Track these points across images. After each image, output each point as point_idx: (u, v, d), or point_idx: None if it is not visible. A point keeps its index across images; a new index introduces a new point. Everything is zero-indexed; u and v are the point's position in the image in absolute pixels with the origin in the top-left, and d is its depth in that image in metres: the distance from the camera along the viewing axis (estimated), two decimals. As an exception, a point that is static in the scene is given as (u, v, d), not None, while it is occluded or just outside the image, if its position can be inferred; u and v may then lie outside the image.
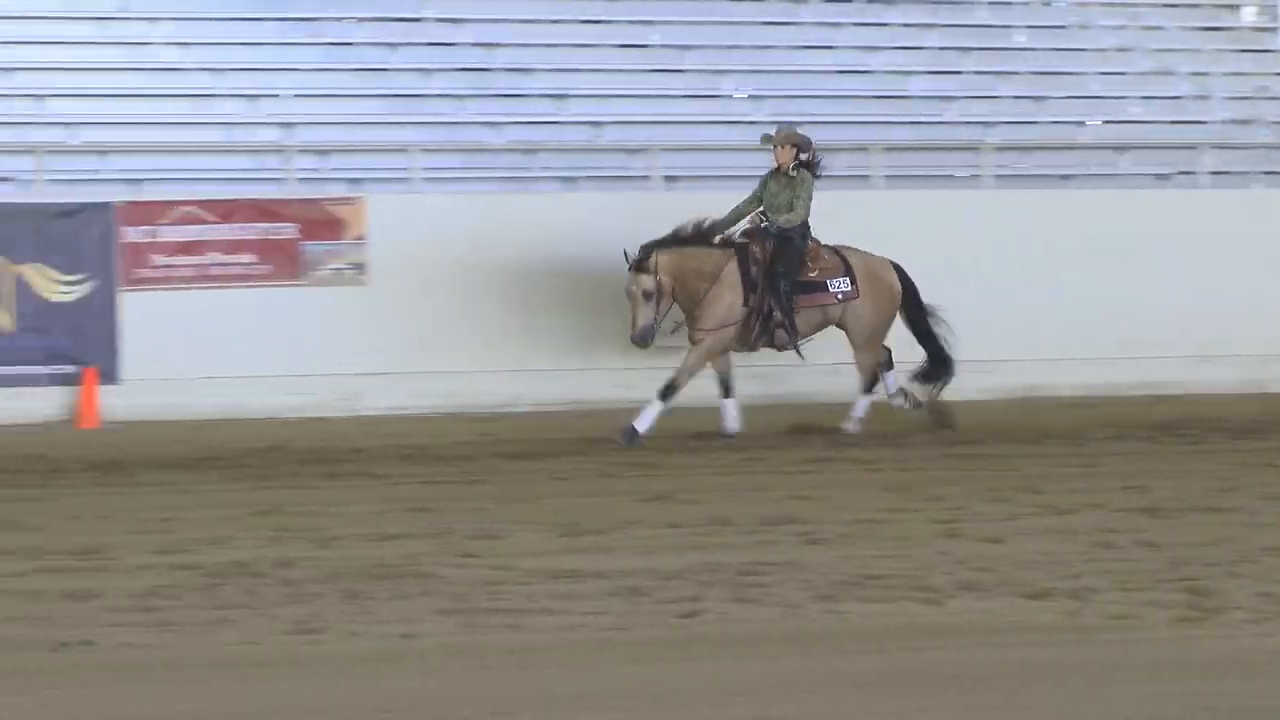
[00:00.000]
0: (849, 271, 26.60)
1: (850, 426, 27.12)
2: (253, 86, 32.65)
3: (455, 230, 29.65)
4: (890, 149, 33.99)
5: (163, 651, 16.45)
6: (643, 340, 25.80)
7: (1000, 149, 34.79)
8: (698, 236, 26.34)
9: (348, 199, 29.75)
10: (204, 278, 28.57)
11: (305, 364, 28.73)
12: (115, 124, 31.28)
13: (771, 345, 26.58)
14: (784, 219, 26.20)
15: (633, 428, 26.15)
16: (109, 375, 27.96)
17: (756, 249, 26.16)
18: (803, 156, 26.38)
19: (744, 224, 26.85)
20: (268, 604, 17.78)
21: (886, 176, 33.14)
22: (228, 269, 28.75)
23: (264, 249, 28.79)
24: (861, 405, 27.21)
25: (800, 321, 26.55)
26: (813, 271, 26.40)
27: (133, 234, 28.13)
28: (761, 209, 26.55)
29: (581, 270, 29.59)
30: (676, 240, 26.01)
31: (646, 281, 25.36)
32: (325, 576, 18.65)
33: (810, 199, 26.41)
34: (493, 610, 17.37)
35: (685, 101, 35.37)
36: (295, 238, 28.92)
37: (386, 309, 29.08)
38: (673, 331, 26.51)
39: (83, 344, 27.92)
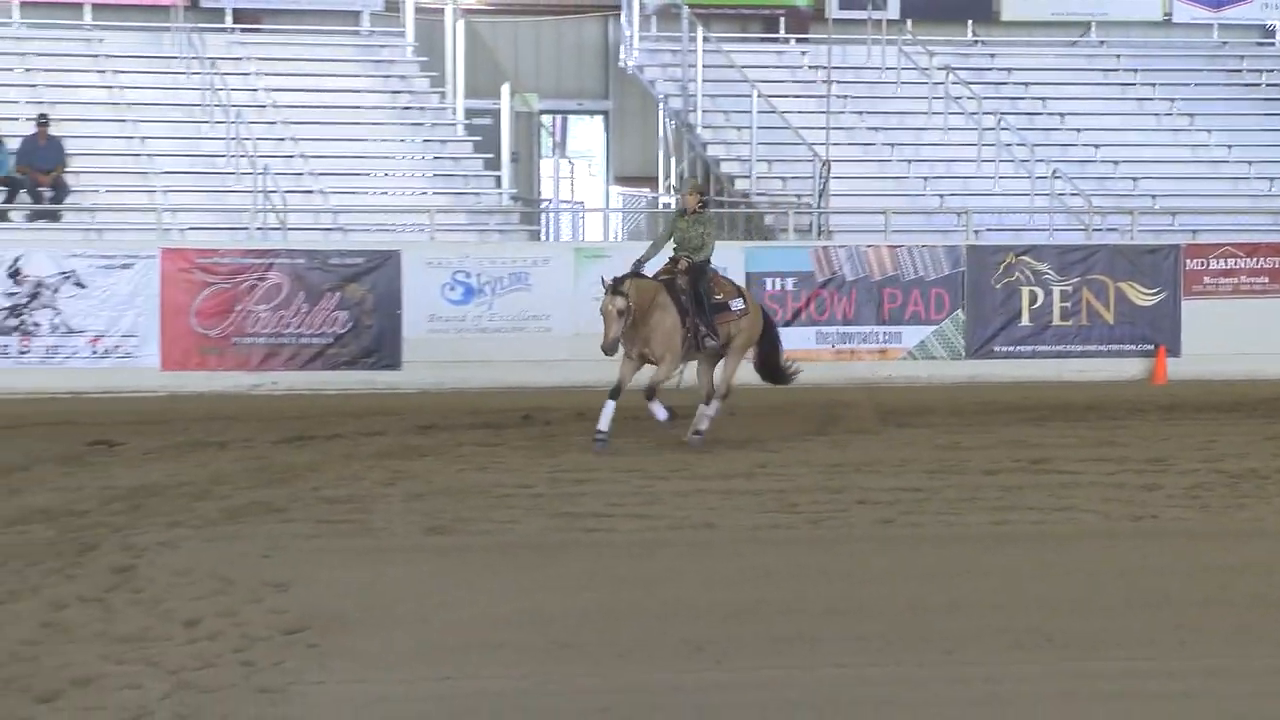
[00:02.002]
0: (741, 294, 21.73)
1: (697, 436, 21.24)
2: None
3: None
4: None
5: (1205, 525, 16.56)
6: (611, 350, 20.77)
7: None
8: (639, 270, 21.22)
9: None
10: (1235, 292, 28.11)
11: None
12: (1180, 196, 31.07)
13: (698, 351, 21.32)
14: (702, 255, 21.22)
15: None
16: (1173, 351, 27.68)
17: (681, 280, 21.01)
18: (705, 200, 22.12)
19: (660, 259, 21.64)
20: (1269, 495, 17.75)
21: None
22: (1252, 286, 28.24)
23: (1275, 274, 28.26)
24: (714, 408, 21.50)
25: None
26: (718, 295, 21.31)
27: (1191, 265, 27.88)
28: (674, 245, 21.41)
29: None
30: (636, 273, 21.05)
31: (620, 303, 20.44)
32: (1306, 481, 18.53)
33: (715, 235, 21.68)
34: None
35: None
36: (1298, 267, 28.48)
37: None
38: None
39: (1156, 331, 27.65)
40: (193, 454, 19.96)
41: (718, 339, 21.22)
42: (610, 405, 20.79)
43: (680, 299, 21.01)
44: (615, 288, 20.65)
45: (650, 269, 21.46)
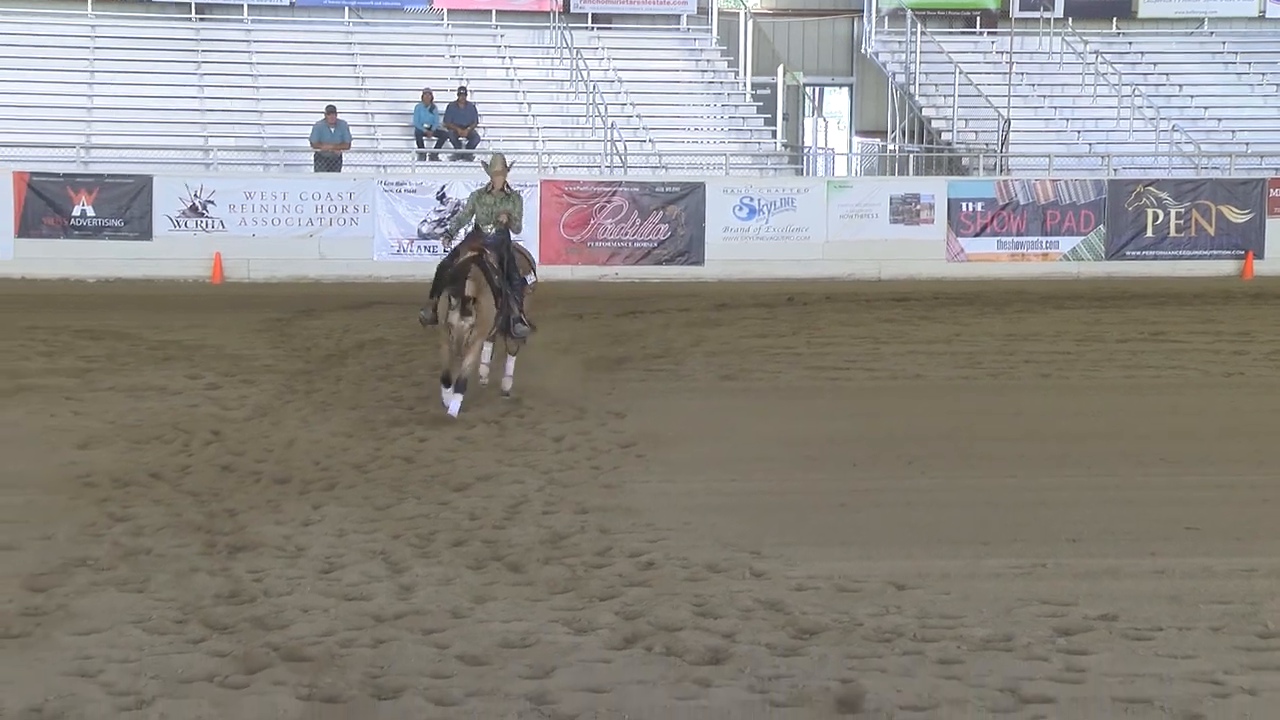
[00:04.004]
0: (533, 267, 15.39)
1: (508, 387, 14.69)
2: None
3: None
4: None
5: None
6: (461, 379, 13.69)
7: None
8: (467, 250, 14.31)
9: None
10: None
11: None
12: (1266, 144, 29.75)
13: (506, 334, 14.52)
14: (515, 228, 14.51)
15: (449, 415, 13.56)
16: (1259, 255, 26.55)
17: (491, 256, 14.25)
18: (510, 178, 14.77)
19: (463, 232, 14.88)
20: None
21: None
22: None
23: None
24: (510, 365, 14.82)
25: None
26: (520, 272, 14.70)
27: (1274, 193, 26.67)
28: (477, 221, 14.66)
29: None
30: (468, 272, 13.80)
31: (471, 320, 13.54)
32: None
33: (522, 212, 14.69)
34: None
35: None
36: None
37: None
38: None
39: (1246, 241, 26.54)
40: (560, 322, 20.15)
41: (529, 327, 14.80)
42: (449, 391, 13.79)
43: (494, 280, 14.19)
44: (465, 307, 13.53)
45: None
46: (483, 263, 14.21)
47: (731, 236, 25.75)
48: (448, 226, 15.23)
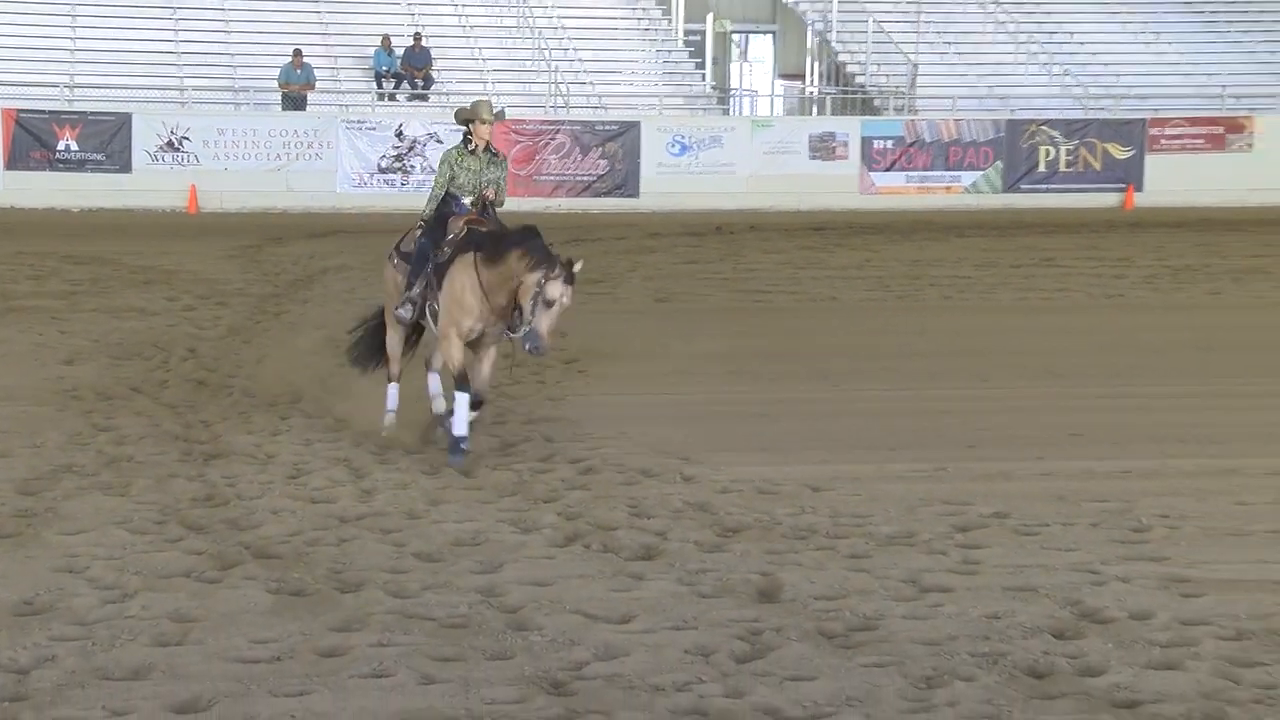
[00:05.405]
0: None
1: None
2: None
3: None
4: None
5: (1155, 301, 16.03)
6: None
7: None
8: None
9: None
10: (1182, 149, 26.76)
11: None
12: (1148, 86, 29.82)
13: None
14: (502, 200, 10.05)
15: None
16: (1139, 188, 26.72)
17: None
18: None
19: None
20: (1198, 282, 17.08)
21: None
22: (1194, 145, 27.01)
23: (1209, 138, 27.08)
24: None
25: None
26: None
27: (1153, 131, 26.88)
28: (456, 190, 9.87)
29: None
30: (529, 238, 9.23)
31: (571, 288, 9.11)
32: None
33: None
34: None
35: None
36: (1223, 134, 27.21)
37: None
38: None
39: (1128, 175, 26.84)
40: (509, 249, 20.04)
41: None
42: (463, 397, 9.37)
43: None
44: (570, 275, 9.07)
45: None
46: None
47: (664, 171, 25.66)
48: (425, 213, 10.01)
